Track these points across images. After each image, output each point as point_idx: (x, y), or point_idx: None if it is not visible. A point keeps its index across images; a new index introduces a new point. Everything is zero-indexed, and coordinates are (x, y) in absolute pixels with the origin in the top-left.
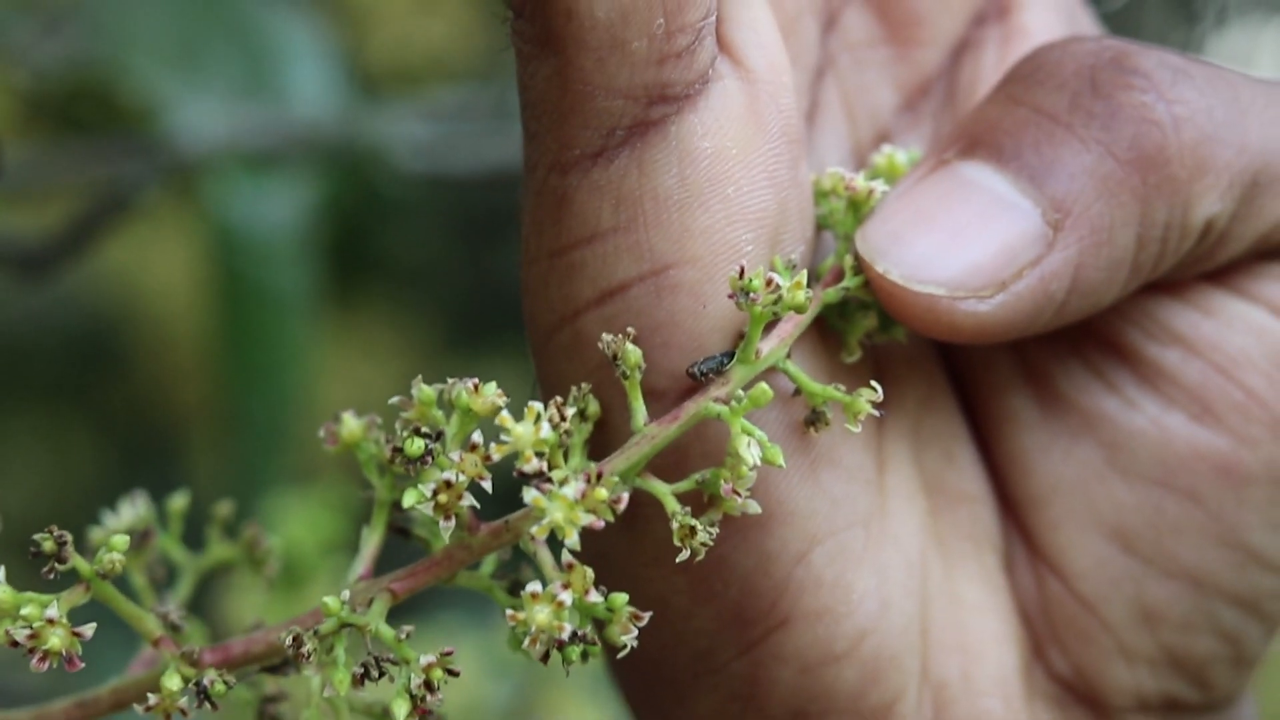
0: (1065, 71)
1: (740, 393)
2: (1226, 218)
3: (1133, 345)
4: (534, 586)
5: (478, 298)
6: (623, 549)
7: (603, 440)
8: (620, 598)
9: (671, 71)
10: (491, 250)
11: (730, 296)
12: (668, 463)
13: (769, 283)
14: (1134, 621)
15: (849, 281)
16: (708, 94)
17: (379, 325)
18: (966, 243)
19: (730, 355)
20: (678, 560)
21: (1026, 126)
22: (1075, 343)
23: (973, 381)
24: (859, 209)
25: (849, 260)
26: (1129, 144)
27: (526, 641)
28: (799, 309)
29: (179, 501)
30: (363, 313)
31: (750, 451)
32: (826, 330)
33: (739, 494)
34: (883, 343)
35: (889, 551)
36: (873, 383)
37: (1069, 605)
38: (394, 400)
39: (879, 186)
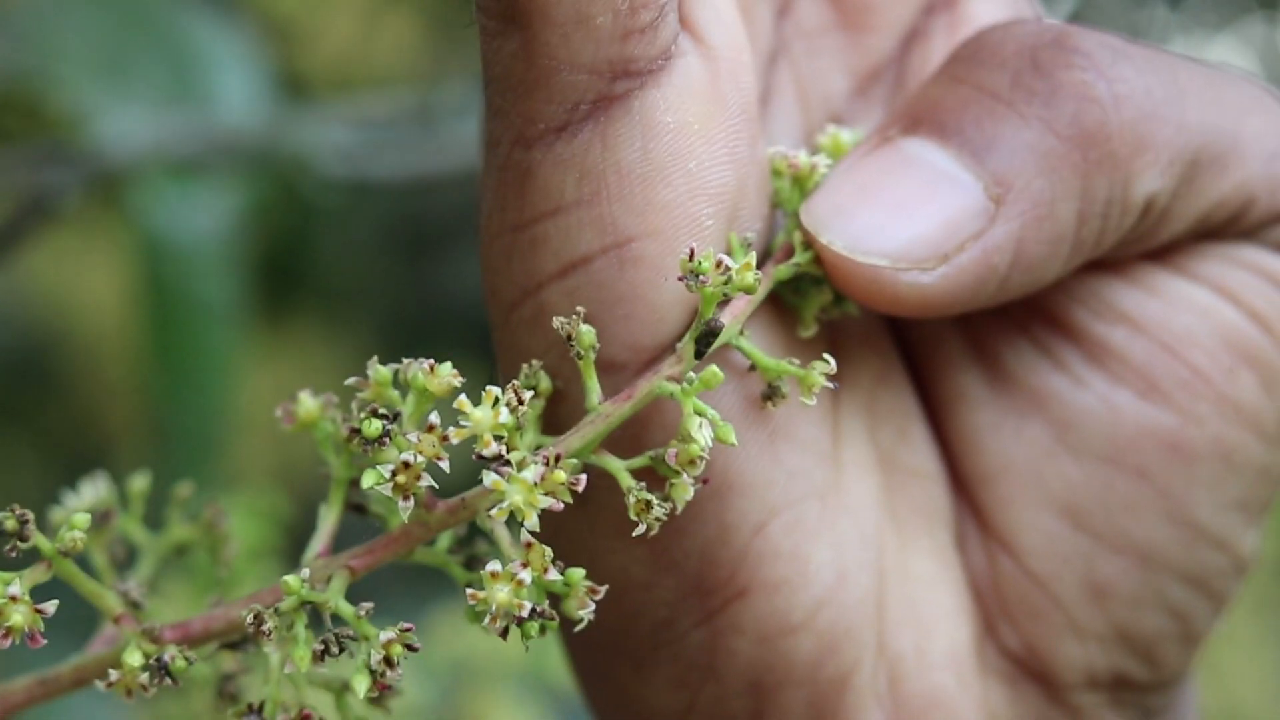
0: (1007, 51)
1: (692, 374)
2: (1167, 195)
3: (1080, 324)
4: (494, 566)
5: (412, 309)
6: (581, 523)
7: (563, 414)
8: (577, 573)
9: (635, 47)
10: (424, 261)
11: (680, 279)
12: (627, 436)
13: (719, 264)
14: (1084, 598)
15: (799, 257)
16: (670, 69)
17: (312, 338)
18: (909, 215)
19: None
20: (634, 534)
21: (968, 104)
22: (1023, 322)
23: (924, 360)
24: (803, 185)
25: (798, 236)
26: (1069, 120)
27: (486, 620)
28: (748, 290)
29: (140, 482)
30: (295, 326)
31: (702, 432)
32: (782, 306)
33: (687, 473)
34: (837, 317)
35: (845, 524)
36: (825, 355)
37: (1020, 582)
38: (350, 381)
39: (821, 162)
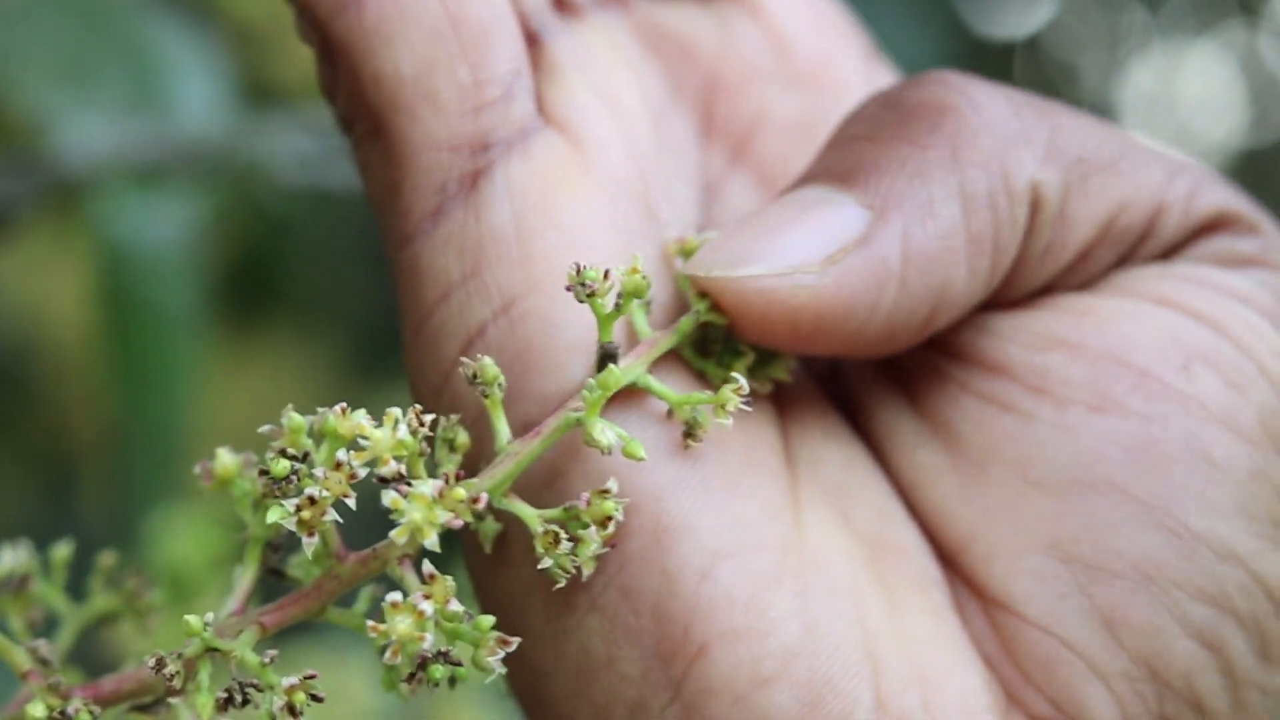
0: (863, 110)
1: (591, 382)
2: (1057, 189)
3: (1017, 361)
4: (394, 596)
5: (382, 317)
6: (535, 610)
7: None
8: (486, 620)
9: (488, 119)
10: (391, 268)
11: (567, 289)
12: (550, 489)
13: (606, 273)
14: (1095, 632)
15: (697, 305)
16: (530, 141)
17: (283, 346)
18: (786, 234)
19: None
20: (537, 568)
21: (830, 149)
22: (965, 381)
23: (882, 445)
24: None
25: (693, 294)
26: (929, 130)
27: (388, 654)
28: (638, 293)
29: (63, 550)
30: (267, 334)
31: (605, 435)
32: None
33: (596, 527)
34: (767, 383)
35: (810, 575)
36: (735, 375)
37: (1025, 634)
38: (264, 429)
39: (710, 235)
